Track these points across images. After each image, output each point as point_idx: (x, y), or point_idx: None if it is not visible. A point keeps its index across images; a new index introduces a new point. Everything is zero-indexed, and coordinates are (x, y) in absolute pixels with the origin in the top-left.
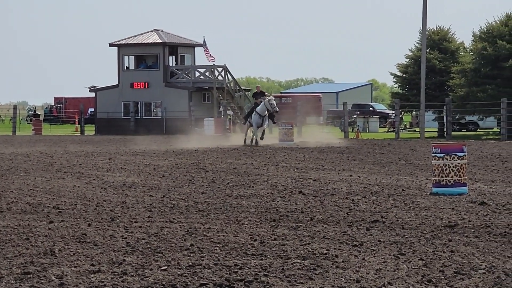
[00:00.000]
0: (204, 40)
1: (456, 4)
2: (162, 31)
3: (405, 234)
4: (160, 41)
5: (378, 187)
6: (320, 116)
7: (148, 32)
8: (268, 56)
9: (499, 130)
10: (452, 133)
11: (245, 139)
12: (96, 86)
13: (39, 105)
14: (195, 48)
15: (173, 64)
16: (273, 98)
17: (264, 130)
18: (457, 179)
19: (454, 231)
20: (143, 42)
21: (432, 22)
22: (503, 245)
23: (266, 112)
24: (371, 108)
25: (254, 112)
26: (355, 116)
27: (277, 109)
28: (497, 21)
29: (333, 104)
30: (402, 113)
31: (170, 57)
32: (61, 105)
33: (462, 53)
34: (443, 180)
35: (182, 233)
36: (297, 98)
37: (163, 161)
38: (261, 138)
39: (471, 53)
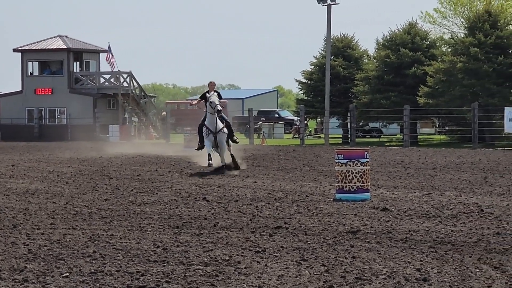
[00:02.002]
0: (109, 46)
1: (360, 12)
2: (66, 36)
3: (307, 240)
4: (65, 47)
5: (282, 193)
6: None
7: (52, 37)
8: (174, 62)
9: (402, 136)
10: (356, 139)
11: (209, 162)
12: None
13: None
14: (100, 54)
15: (78, 70)
16: (216, 94)
17: (231, 154)
18: (360, 185)
19: (356, 237)
20: (47, 47)
21: (337, 30)
22: (404, 251)
23: (221, 124)
24: (276, 115)
25: (204, 127)
26: (260, 122)
27: (219, 108)
28: (400, 29)
29: (239, 110)
30: (307, 119)
31: (75, 63)
32: None
33: (366, 61)
34: (346, 186)
35: (85, 240)
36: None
37: (67, 168)
38: (235, 165)
39: (374, 61)
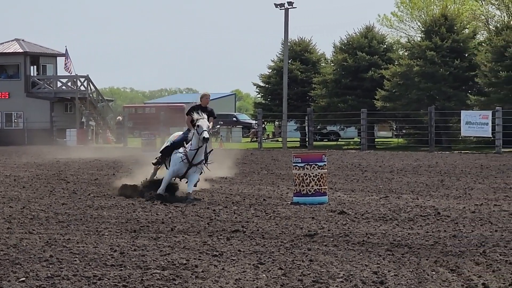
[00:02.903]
0: (66, 50)
1: (317, 16)
2: (23, 40)
3: (265, 244)
4: (21, 50)
5: (239, 197)
6: (184, 126)
7: (9, 41)
8: (131, 66)
9: (359, 140)
10: (314, 143)
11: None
12: None
13: None
14: (57, 58)
15: (35, 74)
16: (205, 117)
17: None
18: (318, 188)
19: (314, 240)
20: (4, 51)
21: (294, 34)
22: (361, 254)
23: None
24: (234, 118)
25: (182, 153)
26: (218, 126)
27: (206, 136)
28: (357, 33)
29: None
30: (265, 123)
31: (32, 67)
32: None
33: (324, 64)
34: (303, 190)
35: (42, 244)
36: (160, 108)
37: (24, 172)
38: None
39: (332, 64)
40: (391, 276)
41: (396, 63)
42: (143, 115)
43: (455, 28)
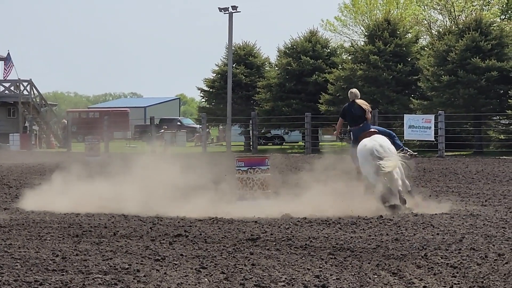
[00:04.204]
0: (9, 54)
1: (261, 20)
2: None
3: (207, 248)
4: None
5: None
6: (128, 130)
7: None
8: (75, 70)
9: (304, 143)
10: (258, 147)
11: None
12: None
13: None
14: None
15: None
16: None
17: None
18: (261, 192)
19: (256, 244)
20: None
21: (238, 38)
22: (303, 258)
23: None
24: (179, 123)
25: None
26: (162, 130)
27: None
28: (301, 37)
29: (141, 118)
30: (209, 127)
31: None
32: None
33: (268, 68)
34: (247, 194)
35: None
36: (104, 113)
37: None
38: None
39: (276, 68)
40: (333, 279)
41: (339, 67)
42: (87, 119)
43: (398, 32)
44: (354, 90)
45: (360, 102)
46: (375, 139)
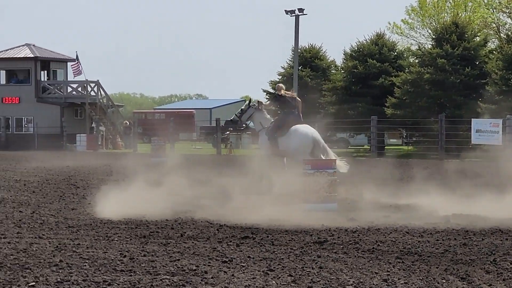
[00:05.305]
0: (77, 55)
1: (328, 23)
2: (34, 45)
3: (274, 250)
4: (32, 55)
5: None
6: (193, 132)
7: (19, 46)
8: (142, 72)
9: (369, 147)
10: None
11: None
12: None
13: None
14: (68, 63)
15: (45, 79)
16: None
17: None
18: (328, 195)
19: (323, 247)
20: (14, 56)
21: (305, 40)
22: (370, 261)
23: None
24: (244, 125)
25: None
26: (228, 132)
27: None
28: (367, 40)
29: (206, 120)
30: None
31: (42, 72)
32: None
33: (334, 71)
34: (314, 196)
35: (51, 249)
36: (170, 114)
37: (33, 177)
38: None
39: (342, 71)
40: (401, 283)
41: (406, 70)
42: (152, 120)
43: (466, 35)
44: None
45: None
46: None
